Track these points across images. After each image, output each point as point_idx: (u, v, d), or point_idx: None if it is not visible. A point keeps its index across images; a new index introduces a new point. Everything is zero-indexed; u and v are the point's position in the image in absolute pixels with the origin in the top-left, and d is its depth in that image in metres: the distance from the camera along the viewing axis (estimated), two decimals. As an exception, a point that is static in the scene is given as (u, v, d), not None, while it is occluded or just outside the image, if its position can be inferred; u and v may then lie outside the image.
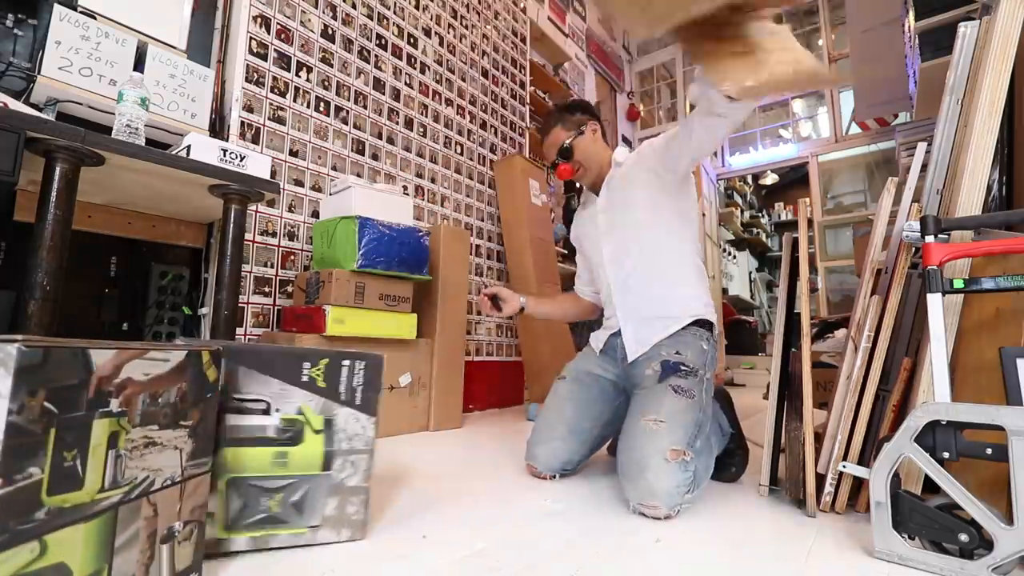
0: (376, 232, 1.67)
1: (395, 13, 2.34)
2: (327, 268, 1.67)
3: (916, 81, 2.53)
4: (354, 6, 2.15)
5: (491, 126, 2.91)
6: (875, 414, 1.05)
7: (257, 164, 1.35)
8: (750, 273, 7.72)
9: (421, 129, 2.43)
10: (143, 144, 1.13)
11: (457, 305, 2.08)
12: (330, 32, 2.04)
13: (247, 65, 1.74)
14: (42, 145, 0.98)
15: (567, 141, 1.38)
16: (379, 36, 2.25)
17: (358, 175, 2.10)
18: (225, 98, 1.73)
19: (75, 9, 1.36)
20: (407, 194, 2.28)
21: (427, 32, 2.51)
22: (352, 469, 0.82)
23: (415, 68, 2.42)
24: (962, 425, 0.79)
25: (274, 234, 1.80)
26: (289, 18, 1.89)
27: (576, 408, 1.31)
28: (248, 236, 1.69)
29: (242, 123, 1.72)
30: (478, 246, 2.73)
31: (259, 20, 1.80)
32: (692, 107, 1.13)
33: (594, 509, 1.06)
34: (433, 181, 2.48)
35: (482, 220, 2.78)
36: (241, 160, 1.32)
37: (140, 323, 1.57)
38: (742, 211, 7.00)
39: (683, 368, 1.19)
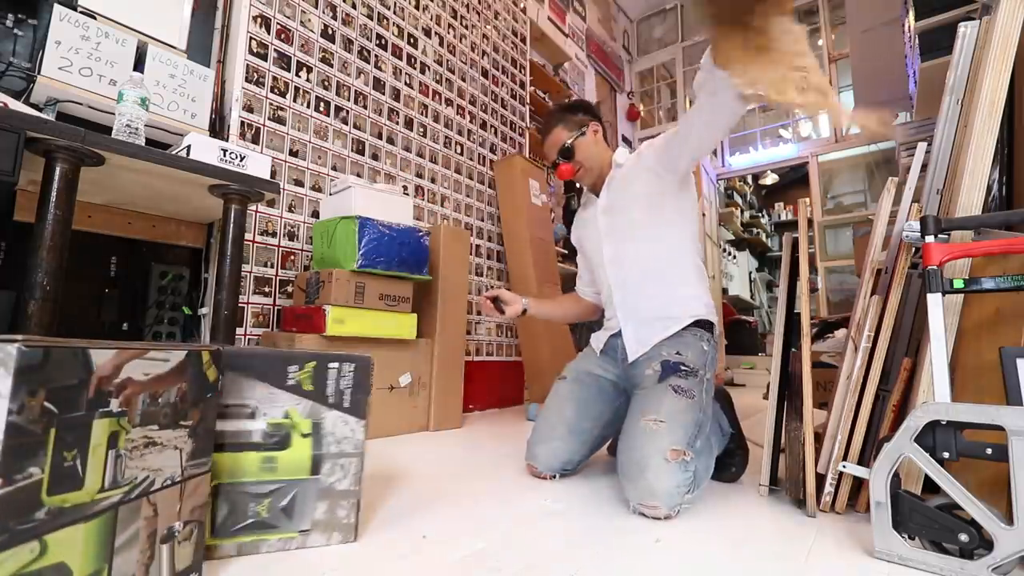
0: (376, 232, 1.67)
1: (395, 13, 2.34)
2: (327, 268, 1.67)
3: (916, 81, 2.53)
4: (354, 6, 2.15)
5: (491, 126, 2.91)
6: (875, 414, 1.05)
7: (257, 164, 1.35)
8: (750, 273, 7.72)
9: (421, 129, 2.43)
10: (143, 144, 1.13)
11: (457, 305, 2.08)
12: (330, 32, 2.04)
13: (247, 65, 1.74)
14: (42, 145, 0.98)
15: (568, 141, 1.38)
16: (379, 36, 2.25)
17: (358, 175, 2.10)
18: (225, 98, 1.73)
19: (75, 9, 1.36)
20: (407, 194, 2.28)
21: (427, 32, 2.51)
22: (341, 473, 0.82)
23: (415, 68, 2.42)
24: (962, 425, 0.79)
25: (274, 234, 1.80)
26: (289, 18, 1.89)
27: (576, 408, 1.31)
28: (248, 236, 1.69)
29: (242, 123, 1.72)
30: (478, 246, 2.73)
31: (259, 20, 1.80)
32: (691, 103, 1.13)
33: (594, 509, 1.06)
34: (433, 181, 2.48)
35: (482, 220, 2.78)
36: (241, 160, 1.32)
37: (140, 323, 1.57)
38: (742, 211, 7.00)
39: (683, 368, 1.19)
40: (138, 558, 0.57)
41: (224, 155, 1.29)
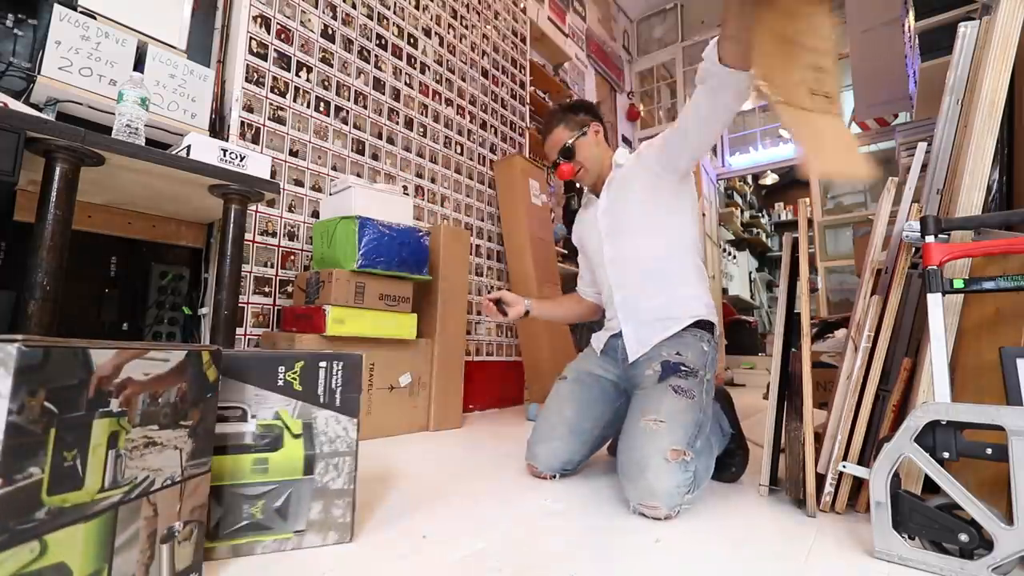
0: (376, 232, 1.67)
1: (395, 13, 2.34)
2: (327, 268, 1.67)
3: (916, 81, 2.53)
4: (354, 6, 2.15)
5: (491, 126, 2.91)
6: (875, 414, 1.05)
7: (257, 164, 1.35)
8: (750, 273, 7.72)
9: (421, 129, 2.43)
10: (143, 144, 1.13)
11: (457, 305, 2.08)
12: (330, 32, 2.04)
13: (247, 65, 1.74)
14: (42, 145, 0.98)
15: (569, 141, 1.38)
16: (379, 36, 2.25)
17: (358, 175, 2.10)
18: (225, 98, 1.73)
19: (75, 9, 1.36)
20: (407, 194, 2.28)
21: (427, 32, 2.51)
22: (335, 472, 0.82)
23: (415, 68, 2.42)
24: (962, 425, 0.79)
25: (274, 234, 1.80)
26: (289, 18, 1.89)
27: (577, 408, 1.31)
28: (248, 236, 1.69)
29: (242, 123, 1.72)
30: (478, 246, 2.73)
31: (259, 20, 1.80)
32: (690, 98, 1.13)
33: (594, 509, 1.06)
34: (433, 181, 2.48)
35: (482, 220, 2.78)
36: (241, 160, 1.32)
37: (140, 323, 1.57)
38: (742, 211, 7.00)
39: (683, 368, 1.19)
40: (138, 558, 0.57)
41: (224, 155, 1.29)
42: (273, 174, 1.78)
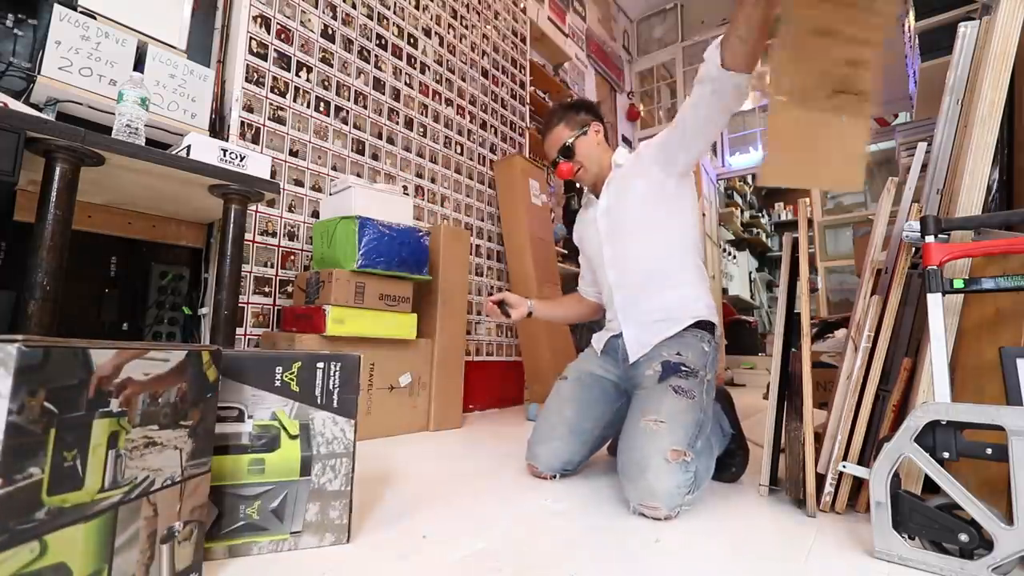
0: (376, 232, 1.67)
1: (395, 13, 2.34)
2: (327, 268, 1.67)
3: (916, 81, 2.53)
4: (354, 6, 2.15)
5: (491, 126, 2.91)
6: (875, 414, 1.05)
7: (257, 164, 1.35)
8: (750, 273, 7.72)
9: (421, 129, 2.43)
10: (143, 144, 1.13)
11: (457, 305, 2.08)
12: (330, 32, 2.04)
13: (247, 65, 1.74)
14: (42, 145, 0.98)
15: (569, 140, 1.38)
16: (379, 36, 2.25)
17: (358, 175, 2.10)
18: (225, 98, 1.73)
19: (75, 9, 1.36)
20: (407, 194, 2.28)
21: (427, 32, 2.51)
22: (332, 473, 0.82)
23: (415, 68, 2.42)
24: (962, 425, 0.79)
25: (274, 234, 1.80)
26: (289, 18, 1.89)
27: (577, 409, 1.31)
28: (248, 236, 1.69)
29: (242, 123, 1.72)
30: (478, 246, 2.73)
31: (259, 20, 1.80)
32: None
33: (594, 509, 1.06)
34: (433, 181, 2.48)
35: (482, 220, 2.78)
36: (241, 160, 1.32)
37: (140, 323, 1.57)
38: (742, 211, 7.00)
39: (684, 369, 1.19)
40: (138, 558, 0.57)
41: (224, 155, 1.29)
42: (273, 174, 1.78)
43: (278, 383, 0.79)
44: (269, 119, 1.80)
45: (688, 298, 1.30)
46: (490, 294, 2.70)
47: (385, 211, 1.75)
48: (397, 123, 2.30)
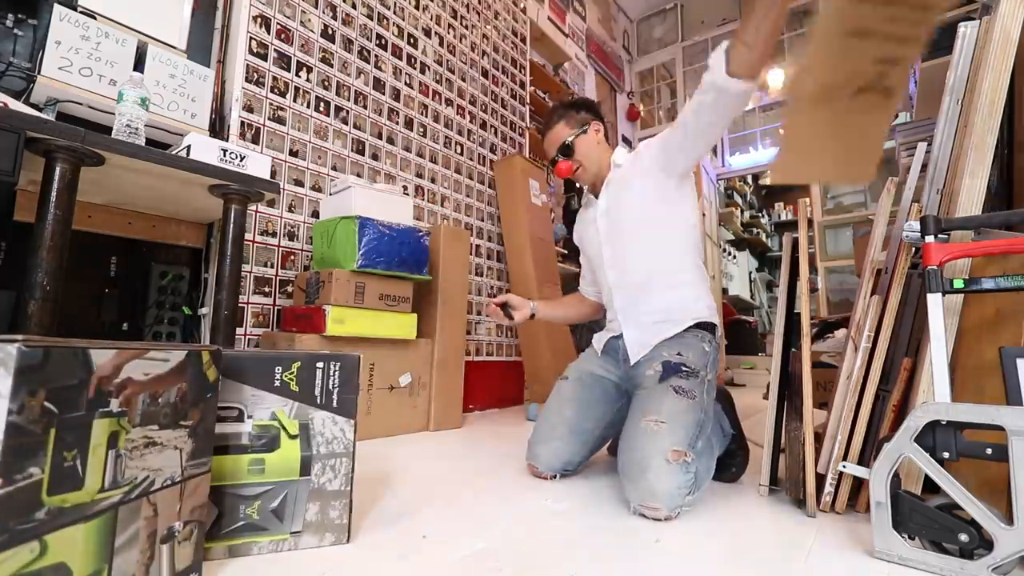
0: (376, 232, 1.67)
1: (395, 13, 2.34)
2: (327, 268, 1.67)
3: (916, 81, 2.53)
4: (354, 6, 2.15)
5: (491, 126, 2.91)
6: (875, 414, 1.05)
7: (257, 164, 1.35)
8: (750, 273, 7.72)
9: (421, 129, 2.43)
10: (143, 144, 1.13)
11: (457, 305, 2.08)
12: (330, 32, 2.04)
13: (247, 65, 1.74)
14: (42, 145, 0.98)
15: (569, 138, 1.37)
16: (379, 36, 2.25)
17: (358, 175, 2.10)
18: (225, 98, 1.73)
19: (75, 9, 1.36)
20: (407, 194, 2.28)
21: (427, 32, 2.51)
22: (332, 473, 0.82)
23: (415, 68, 2.42)
24: (962, 425, 0.79)
25: (274, 234, 1.80)
26: (289, 18, 1.89)
27: (578, 409, 1.31)
28: (248, 236, 1.69)
29: (242, 123, 1.72)
30: (478, 246, 2.73)
31: (259, 20, 1.80)
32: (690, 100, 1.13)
33: (595, 509, 1.06)
34: (433, 181, 2.48)
35: (482, 220, 2.78)
36: (241, 160, 1.32)
37: (140, 323, 1.57)
38: (742, 211, 7.00)
39: (684, 369, 1.18)
40: (138, 558, 0.57)
41: (224, 155, 1.29)
42: (273, 174, 1.78)
43: (278, 383, 0.79)
44: (269, 119, 1.80)
45: (688, 299, 1.30)
46: (491, 294, 2.70)
47: (385, 211, 1.75)
48: (397, 123, 2.30)
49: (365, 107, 2.16)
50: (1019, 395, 0.79)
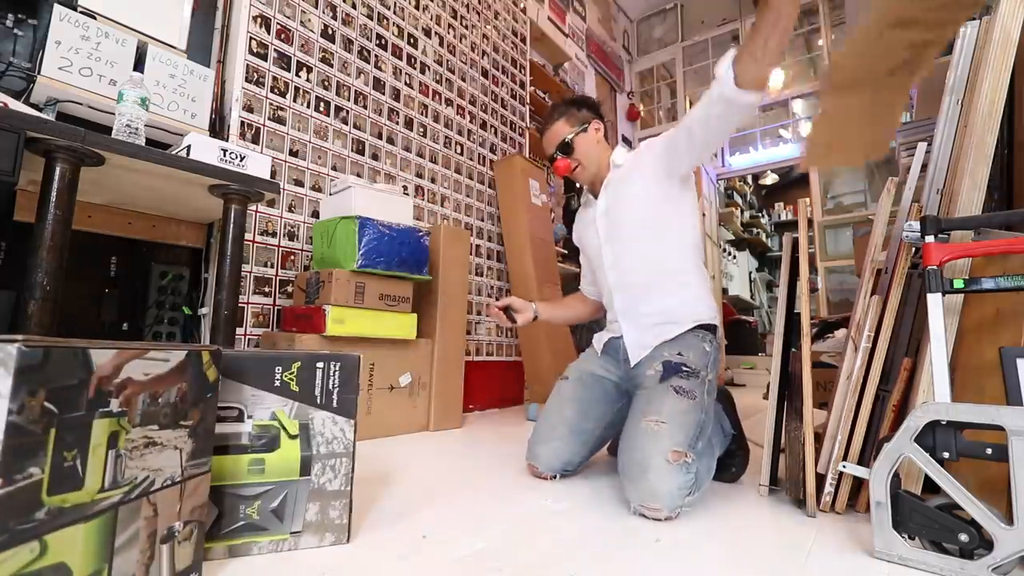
0: (376, 232, 1.67)
1: (395, 13, 2.34)
2: (327, 268, 1.67)
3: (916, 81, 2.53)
4: (354, 6, 2.15)
5: (491, 126, 2.91)
6: (875, 414, 1.05)
7: (257, 164, 1.35)
8: (750, 273, 7.72)
9: (421, 129, 2.43)
10: (143, 144, 1.13)
11: (457, 305, 2.08)
12: (330, 32, 2.04)
13: (247, 65, 1.74)
14: (42, 145, 0.98)
15: (568, 136, 1.37)
16: (379, 36, 2.25)
17: (358, 175, 2.10)
18: (225, 98, 1.73)
19: (75, 9, 1.36)
20: (407, 194, 2.28)
21: (427, 32, 2.51)
22: (332, 473, 0.82)
23: (415, 68, 2.42)
24: (962, 425, 0.79)
25: (274, 234, 1.80)
26: (289, 18, 1.89)
27: (578, 409, 1.31)
28: (248, 236, 1.69)
29: (242, 123, 1.72)
30: (478, 246, 2.73)
31: (259, 20, 1.80)
32: (695, 106, 1.13)
33: (595, 509, 1.06)
34: (433, 181, 2.48)
35: (482, 220, 2.78)
36: (241, 160, 1.32)
37: (140, 323, 1.57)
38: (742, 211, 7.00)
39: (685, 369, 1.18)
40: (138, 558, 0.57)
41: (224, 155, 1.29)
42: (273, 174, 1.78)
43: (278, 383, 0.79)
44: (269, 119, 1.80)
45: (689, 300, 1.29)
46: (491, 294, 2.70)
47: (385, 211, 1.75)
48: (397, 123, 2.30)
49: (365, 107, 2.16)
50: (1019, 395, 0.79)
